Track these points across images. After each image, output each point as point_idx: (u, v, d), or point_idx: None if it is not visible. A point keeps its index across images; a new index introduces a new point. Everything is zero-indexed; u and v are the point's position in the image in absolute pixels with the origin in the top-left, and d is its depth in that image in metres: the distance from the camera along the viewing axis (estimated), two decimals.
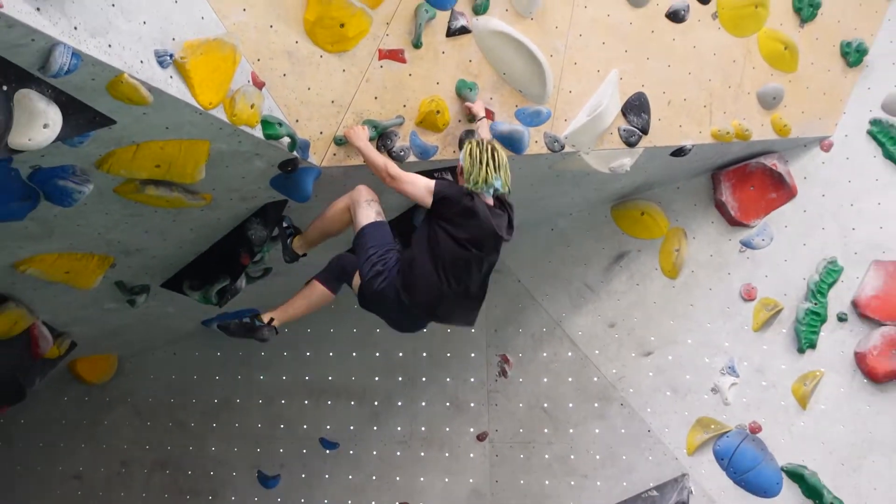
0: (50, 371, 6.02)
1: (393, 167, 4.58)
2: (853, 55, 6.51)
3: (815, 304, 6.46)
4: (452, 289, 4.58)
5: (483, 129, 4.97)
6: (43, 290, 5.16)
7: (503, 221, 4.69)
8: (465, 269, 4.59)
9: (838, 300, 6.47)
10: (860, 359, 6.39)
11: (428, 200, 4.56)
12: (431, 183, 4.59)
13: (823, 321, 6.47)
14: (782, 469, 6.43)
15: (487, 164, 4.56)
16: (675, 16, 5.76)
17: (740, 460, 6.45)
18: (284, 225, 5.08)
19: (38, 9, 3.15)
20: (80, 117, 3.59)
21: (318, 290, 4.88)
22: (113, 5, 3.46)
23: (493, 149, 4.62)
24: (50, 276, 5.00)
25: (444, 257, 4.51)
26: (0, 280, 4.97)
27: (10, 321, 5.19)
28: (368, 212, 4.70)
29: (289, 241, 5.06)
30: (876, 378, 6.36)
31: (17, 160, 3.86)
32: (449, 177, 5.19)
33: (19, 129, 3.35)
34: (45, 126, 3.42)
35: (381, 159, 4.62)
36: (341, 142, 4.68)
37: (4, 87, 3.27)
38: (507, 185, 4.63)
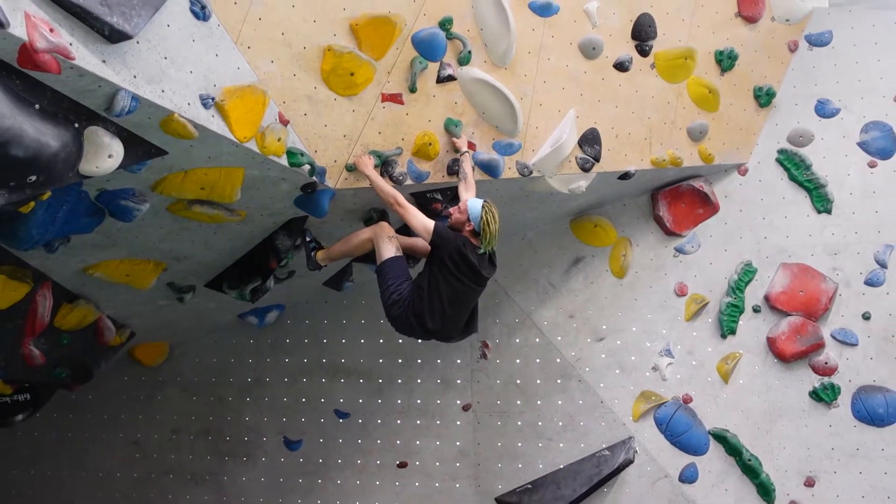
0: (113, 356, 5.97)
1: (401, 198, 4.54)
2: (764, 97, 6.54)
3: (735, 298, 6.48)
4: (450, 315, 4.55)
5: (465, 162, 4.94)
6: (107, 290, 5.13)
7: (485, 261, 4.64)
8: (461, 300, 4.55)
9: (753, 295, 6.49)
10: (771, 343, 6.41)
11: (425, 236, 4.51)
12: (431, 224, 4.52)
13: (741, 312, 6.49)
14: (709, 432, 6.44)
15: (494, 236, 4.53)
16: (620, 66, 5.77)
17: (676, 425, 6.45)
18: (308, 239, 5.03)
19: (104, 61, 3.14)
20: (139, 149, 3.58)
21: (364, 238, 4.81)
22: (165, 58, 3.45)
23: (496, 218, 4.55)
24: (113, 278, 4.96)
25: (444, 291, 4.46)
26: (73, 282, 4.93)
27: (80, 315, 5.15)
28: (389, 247, 4.67)
29: (312, 253, 5.01)
30: (784, 358, 6.38)
31: (86, 184, 3.85)
32: (439, 196, 5.20)
33: (88, 158, 3.34)
34: (110, 156, 3.40)
35: (389, 188, 4.58)
36: (352, 168, 4.65)
37: (76, 125, 3.25)
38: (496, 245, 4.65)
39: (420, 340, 5.13)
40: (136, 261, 4.95)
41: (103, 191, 4.02)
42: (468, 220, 4.53)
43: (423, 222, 4.52)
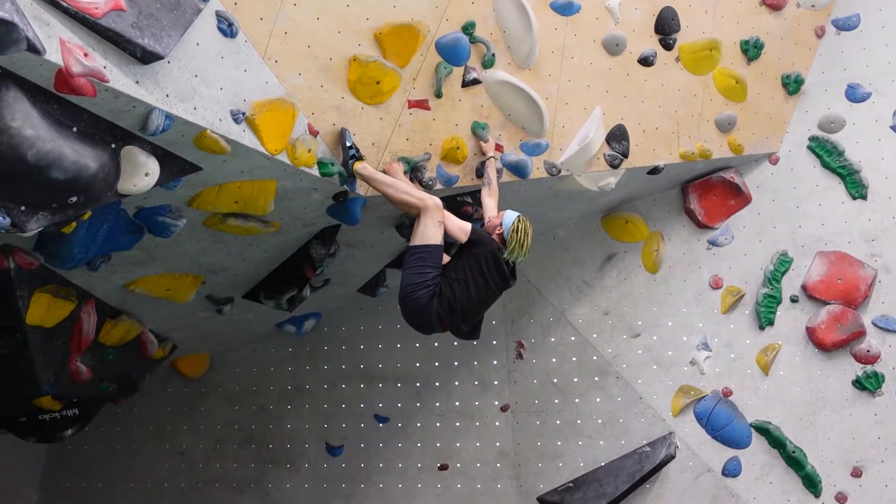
0: (156, 369, 6.06)
1: (438, 201, 4.41)
2: (792, 85, 6.43)
3: (772, 289, 6.37)
4: (469, 310, 4.46)
5: (490, 168, 4.94)
6: (148, 305, 5.21)
7: (509, 269, 4.61)
8: (482, 299, 4.48)
9: (790, 285, 6.38)
10: (811, 332, 6.29)
11: (461, 237, 4.47)
12: (468, 226, 4.51)
13: (779, 303, 6.38)
14: (751, 425, 6.34)
15: (523, 247, 4.49)
16: (645, 61, 5.72)
17: (716, 419, 6.36)
18: (349, 144, 4.39)
19: (137, 82, 3.20)
20: (174, 166, 3.64)
21: (411, 202, 4.41)
22: (196, 76, 3.50)
23: (528, 233, 4.51)
24: (154, 293, 5.04)
25: (471, 286, 4.41)
26: (115, 297, 5.02)
27: (123, 330, 5.24)
28: (437, 233, 4.37)
29: (351, 161, 4.42)
30: (824, 347, 6.26)
31: (124, 202, 3.92)
32: (469, 199, 5.20)
33: (126, 177, 3.40)
34: (147, 175, 3.46)
35: (418, 192, 4.47)
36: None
37: (113, 145, 3.32)
38: (524, 259, 4.60)
39: (427, 334, 4.85)
40: (174, 275, 5.02)
41: (141, 208, 4.09)
42: (500, 224, 4.55)
43: (460, 224, 4.53)
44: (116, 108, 3.21)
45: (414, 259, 4.39)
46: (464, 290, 4.39)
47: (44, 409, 5.43)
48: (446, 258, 4.61)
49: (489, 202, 4.87)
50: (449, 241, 4.56)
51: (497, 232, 4.55)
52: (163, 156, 3.53)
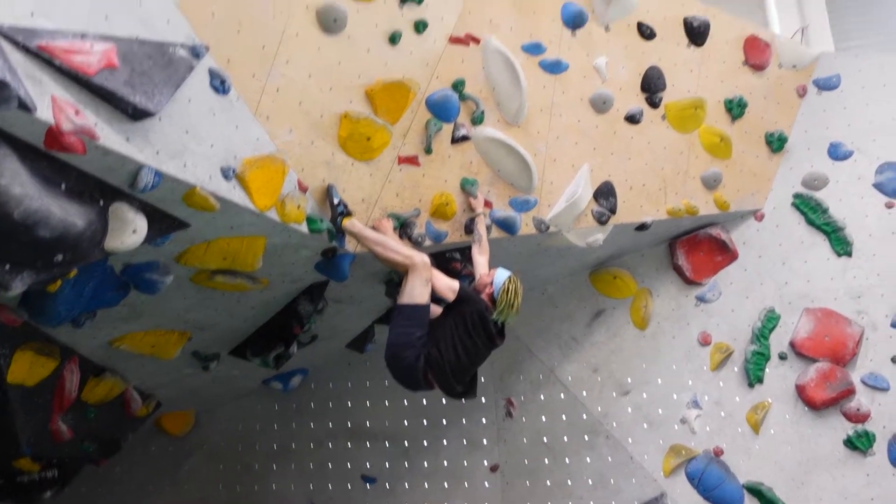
0: (139, 427, 5.93)
1: (426, 258, 4.38)
2: (776, 143, 6.53)
3: (760, 346, 6.35)
4: (458, 368, 4.36)
5: (480, 224, 4.93)
6: (133, 361, 5.11)
7: (497, 329, 4.51)
8: (471, 358, 4.39)
9: (778, 342, 6.36)
10: (800, 390, 6.25)
11: (449, 296, 4.41)
12: (455, 283, 4.45)
13: (767, 360, 6.35)
14: (743, 486, 6.23)
15: (513, 307, 4.40)
16: (631, 119, 5.80)
17: (708, 479, 6.25)
18: (336, 202, 4.35)
19: (127, 139, 3.18)
20: (162, 223, 3.60)
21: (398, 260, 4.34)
22: (187, 133, 3.50)
23: (518, 293, 4.43)
24: (139, 349, 4.96)
25: (458, 344, 4.32)
26: (99, 355, 4.93)
27: (107, 388, 5.13)
28: (424, 292, 4.31)
29: (339, 218, 4.37)
30: (815, 406, 6.20)
31: (111, 259, 3.87)
32: (458, 255, 5.18)
33: (113, 235, 3.36)
34: (134, 232, 3.42)
35: (406, 250, 4.42)
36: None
37: (101, 202, 3.28)
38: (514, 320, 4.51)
39: (415, 391, 4.74)
40: (161, 332, 4.95)
41: (128, 265, 4.04)
42: (490, 283, 4.47)
43: (448, 282, 4.47)
44: (106, 166, 3.19)
45: (400, 318, 4.33)
46: (450, 350, 4.30)
47: (22, 471, 5.28)
48: (437, 309, 4.54)
49: (480, 259, 4.85)
50: (437, 298, 4.52)
51: (487, 291, 4.48)
52: (151, 213, 3.50)
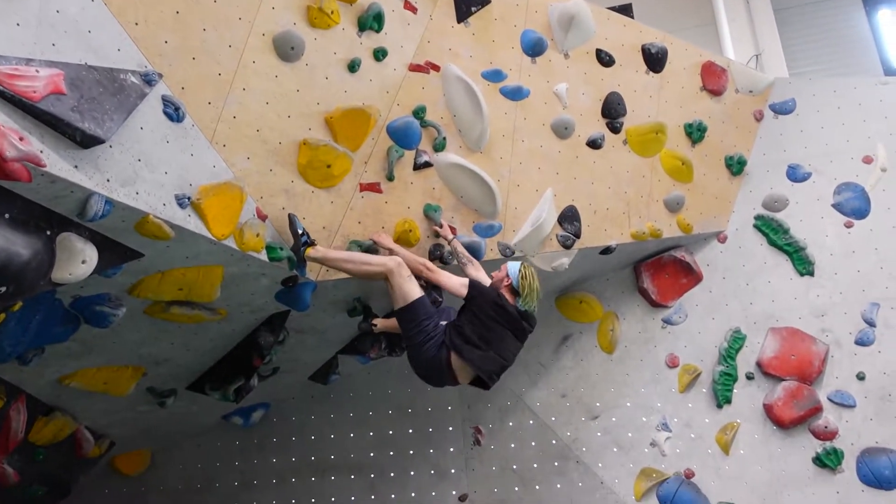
0: (92, 468, 5.71)
1: (430, 262, 4.63)
2: (735, 166, 6.62)
3: (727, 366, 6.37)
4: (494, 362, 4.43)
5: (458, 246, 4.93)
6: (85, 400, 4.93)
7: (525, 316, 4.53)
8: (502, 346, 4.43)
9: (745, 362, 6.38)
10: (768, 409, 6.27)
11: (462, 292, 4.44)
12: (466, 280, 4.51)
13: (735, 380, 6.36)
14: None
15: (535, 291, 4.49)
16: (593, 143, 5.84)
17: (680, 502, 6.22)
18: (300, 231, 4.28)
19: (76, 166, 3.09)
20: (113, 253, 3.49)
21: (374, 270, 4.38)
22: (139, 160, 3.41)
23: (535, 276, 4.52)
24: (90, 387, 4.78)
25: (484, 332, 4.35)
26: (48, 393, 4.74)
27: (56, 428, 4.93)
28: (413, 286, 4.38)
29: (303, 249, 4.30)
30: (783, 424, 6.23)
31: (60, 291, 3.73)
32: (423, 283, 5.10)
33: (61, 265, 3.24)
34: (84, 262, 3.31)
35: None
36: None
37: (48, 232, 3.16)
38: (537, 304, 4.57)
39: (445, 386, 4.68)
40: (113, 367, 4.78)
41: (78, 297, 3.90)
42: (507, 276, 4.51)
43: (458, 280, 4.52)
44: (53, 194, 3.08)
45: (407, 321, 4.40)
46: (473, 341, 4.32)
47: None
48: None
49: (480, 275, 4.80)
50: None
51: (505, 284, 4.51)
52: (101, 242, 3.39)
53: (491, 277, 4.69)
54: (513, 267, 4.55)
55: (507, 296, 4.49)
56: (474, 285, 4.48)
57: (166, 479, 6.93)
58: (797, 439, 6.21)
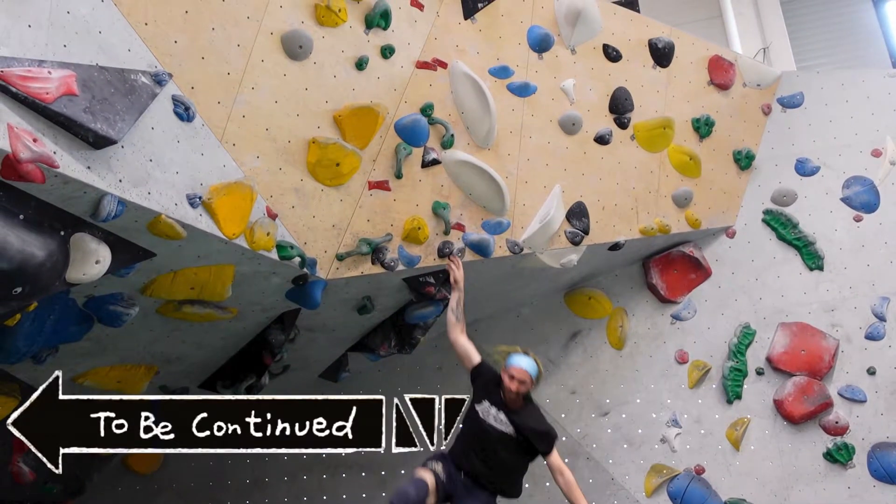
0: (106, 466, 5.76)
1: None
2: (743, 161, 6.61)
3: (737, 362, 6.37)
4: (477, 459, 4.18)
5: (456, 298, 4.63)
6: None
7: (523, 420, 4.16)
8: (486, 444, 4.15)
9: (755, 357, 6.38)
10: (779, 405, 6.26)
11: (467, 366, 4.29)
12: (477, 360, 4.28)
13: (745, 376, 6.36)
14: (725, 503, 6.21)
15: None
16: (601, 139, 5.84)
17: (691, 498, 6.22)
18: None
19: (88, 167, 3.12)
20: (126, 253, 3.53)
21: None
22: (150, 160, 3.44)
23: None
24: (104, 385, 4.82)
25: (468, 433, 4.15)
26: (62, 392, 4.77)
27: None
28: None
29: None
30: (793, 420, 6.22)
31: (73, 291, 3.77)
32: (431, 280, 5.13)
33: (75, 266, 3.28)
34: (97, 262, 3.34)
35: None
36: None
37: (62, 232, 3.20)
38: None
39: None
40: (127, 366, 4.82)
41: (91, 297, 3.94)
42: (529, 377, 4.05)
43: (475, 357, 4.32)
44: (66, 195, 3.12)
45: None
46: (462, 434, 4.13)
47: None
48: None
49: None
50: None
51: (525, 388, 4.07)
52: (114, 242, 3.42)
53: (443, 298, 4.48)
54: (529, 363, 4.09)
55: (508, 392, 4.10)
56: (478, 366, 4.27)
57: (179, 477, 6.98)
58: (808, 435, 6.21)
